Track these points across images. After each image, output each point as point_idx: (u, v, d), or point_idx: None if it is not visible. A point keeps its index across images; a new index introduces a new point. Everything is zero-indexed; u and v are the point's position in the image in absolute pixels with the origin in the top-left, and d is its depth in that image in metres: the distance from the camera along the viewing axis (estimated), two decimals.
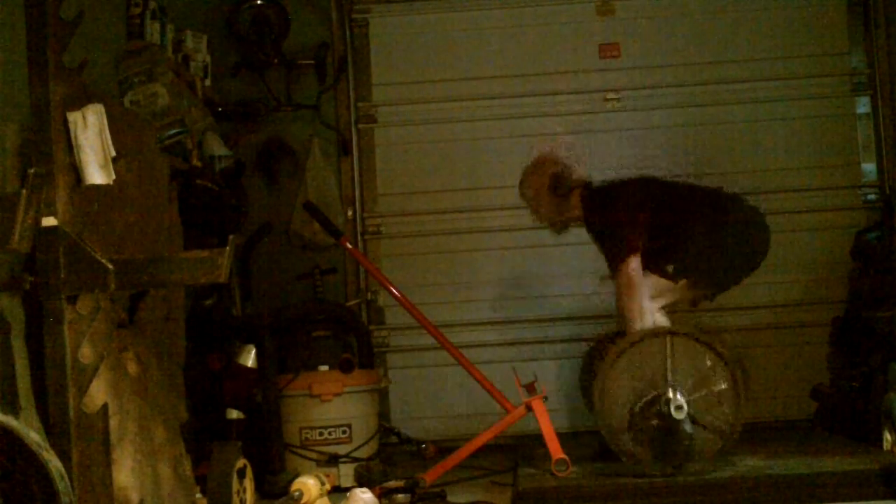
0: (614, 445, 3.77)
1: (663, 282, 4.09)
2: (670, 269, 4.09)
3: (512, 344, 5.46)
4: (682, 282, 4.10)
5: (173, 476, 3.29)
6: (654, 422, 3.70)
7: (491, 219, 5.54)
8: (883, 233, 4.88)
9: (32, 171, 2.80)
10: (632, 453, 3.76)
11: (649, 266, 4.12)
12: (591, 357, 4.52)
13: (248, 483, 3.50)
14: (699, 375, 3.73)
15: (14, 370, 2.88)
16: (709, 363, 3.74)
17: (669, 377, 3.74)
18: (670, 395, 3.67)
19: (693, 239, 4.14)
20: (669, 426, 3.63)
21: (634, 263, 4.07)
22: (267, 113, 5.45)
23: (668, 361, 3.75)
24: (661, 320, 4.06)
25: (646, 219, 4.15)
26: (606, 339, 4.43)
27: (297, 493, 3.34)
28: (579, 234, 5.37)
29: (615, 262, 4.14)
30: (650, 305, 4.06)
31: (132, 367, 3.16)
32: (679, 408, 3.65)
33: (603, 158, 5.35)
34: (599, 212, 4.27)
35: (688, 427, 3.63)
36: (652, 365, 3.77)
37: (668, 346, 3.76)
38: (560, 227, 4.48)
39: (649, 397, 3.73)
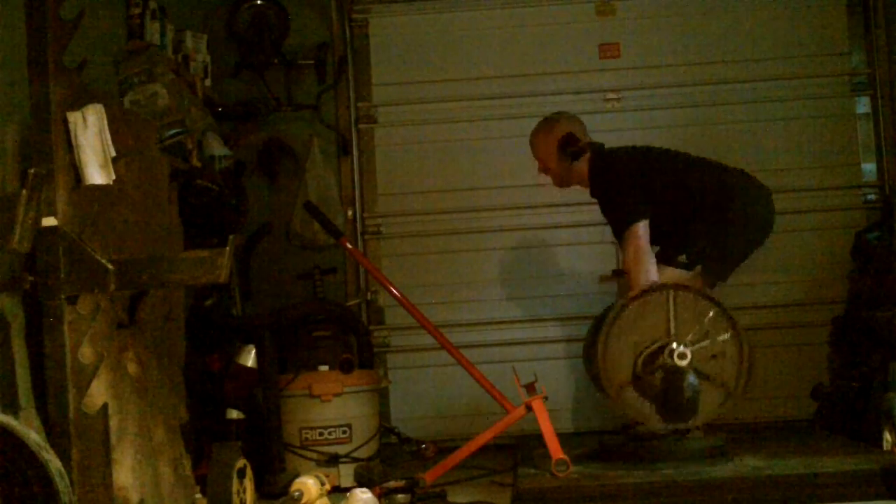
0: (619, 403, 3.73)
1: (679, 273, 4.07)
2: (684, 258, 4.09)
3: (512, 344, 5.46)
4: (697, 268, 4.09)
5: (173, 476, 3.29)
6: (658, 374, 3.67)
7: (491, 219, 5.54)
8: (883, 233, 4.88)
9: (32, 171, 2.80)
10: (637, 410, 3.72)
11: (662, 261, 4.10)
12: (595, 328, 4.50)
13: (248, 483, 3.50)
14: (702, 327, 3.69)
15: (14, 370, 2.88)
16: (711, 314, 3.70)
17: (672, 329, 3.71)
18: (673, 345, 3.64)
19: (702, 220, 4.12)
20: (673, 377, 3.59)
21: (642, 229, 4.04)
22: (267, 113, 5.44)
23: (671, 313, 3.72)
24: None
25: (652, 186, 4.13)
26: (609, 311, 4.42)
27: (297, 493, 3.35)
28: (578, 234, 5.43)
29: (621, 227, 4.11)
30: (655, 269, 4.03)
31: (132, 367, 3.16)
32: (682, 356, 3.61)
33: None
34: (606, 175, 4.23)
35: (692, 378, 3.60)
36: (655, 318, 3.73)
37: (671, 299, 3.73)
38: (564, 186, 4.46)
39: (653, 349, 3.69)
